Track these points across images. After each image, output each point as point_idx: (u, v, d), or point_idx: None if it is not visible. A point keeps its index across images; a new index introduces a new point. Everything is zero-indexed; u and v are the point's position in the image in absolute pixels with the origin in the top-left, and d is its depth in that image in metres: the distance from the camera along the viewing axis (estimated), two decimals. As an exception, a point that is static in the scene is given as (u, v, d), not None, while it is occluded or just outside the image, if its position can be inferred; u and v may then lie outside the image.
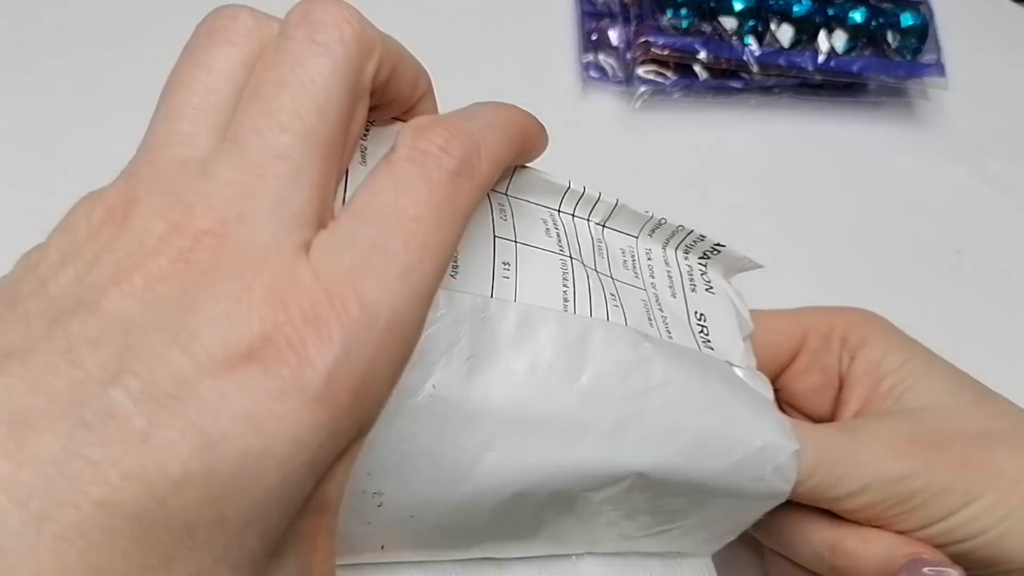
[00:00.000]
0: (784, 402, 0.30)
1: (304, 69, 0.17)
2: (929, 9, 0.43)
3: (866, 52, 0.42)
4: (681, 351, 0.24)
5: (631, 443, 0.22)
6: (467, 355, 0.20)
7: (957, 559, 0.26)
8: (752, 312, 0.28)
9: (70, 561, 0.13)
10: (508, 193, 0.23)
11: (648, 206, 0.42)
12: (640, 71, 0.42)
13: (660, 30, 0.41)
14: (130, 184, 0.16)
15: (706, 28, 0.41)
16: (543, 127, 0.23)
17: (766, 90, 0.43)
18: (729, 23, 0.41)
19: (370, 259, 0.16)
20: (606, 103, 0.43)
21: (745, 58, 0.41)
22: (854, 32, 0.42)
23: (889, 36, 0.42)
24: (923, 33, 0.42)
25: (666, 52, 0.41)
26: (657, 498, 0.23)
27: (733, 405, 0.24)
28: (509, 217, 0.23)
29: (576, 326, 0.22)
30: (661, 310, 0.25)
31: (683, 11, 0.41)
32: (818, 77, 0.42)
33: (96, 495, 0.13)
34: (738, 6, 0.41)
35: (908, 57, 0.42)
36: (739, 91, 0.43)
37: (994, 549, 0.25)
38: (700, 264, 0.27)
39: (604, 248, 0.25)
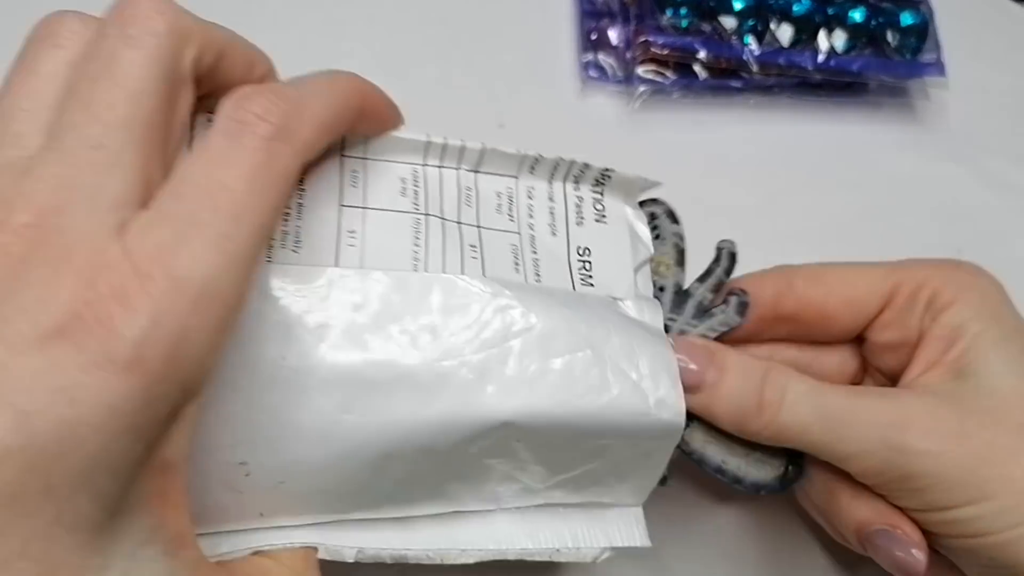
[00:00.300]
0: (865, 353, 0.30)
1: (117, 62, 0.18)
2: (929, 8, 0.43)
3: (866, 51, 0.42)
4: (548, 293, 0.24)
5: (493, 392, 0.22)
6: (314, 324, 0.21)
7: (963, 552, 0.26)
8: (842, 265, 0.29)
9: None
10: (367, 157, 0.24)
11: (648, 206, 0.41)
12: (640, 71, 0.42)
13: (660, 29, 0.41)
14: None
15: (706, 27, 0.41)
16: (388, 98, 0.24)
17: (766, 89, 0.43)
18: (729, 22, 0.41)
19: (181, 232, 0.17)
20: (606, 103, 0.43)
21: (745, 57, 0.41)
22: (854, 31, 0.42)
23: (889, 35, 0.42)
24: (923, 32, 0.42)
25: (666, 52, 0.41)
26: (541, 447, 0.24)
27: (606, 342, 0.24)
28: (360, 183, 0.24)
29: (423, 283, 0.22)
30: (534, 252, 0.25)
31: (683, 10, 0.41)
32: (818, 76, 0.41)
33: None
34: (738, 5, 0.41)
35: (908, 56, 0.42)
36: (739, 90, 0.42)
37: (1003, 552, 0.25)
38: (594, 193, 0.27)
39: (474, 196, 0.25)
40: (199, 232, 0.17)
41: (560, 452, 0.24)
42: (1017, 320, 0.27)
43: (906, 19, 0.42)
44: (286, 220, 0.22)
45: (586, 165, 0.26)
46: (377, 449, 0.22)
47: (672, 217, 0.29)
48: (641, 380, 0.24)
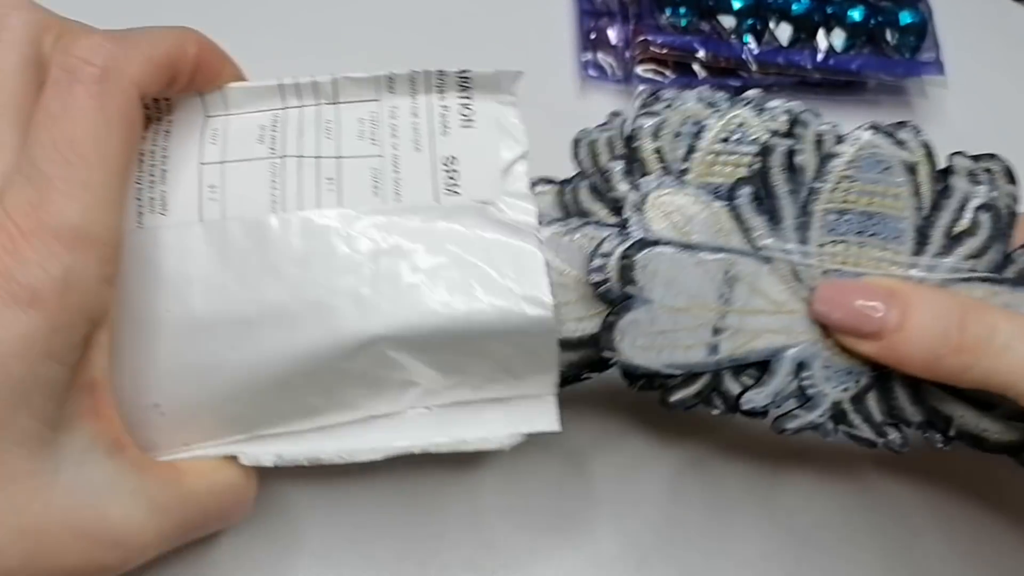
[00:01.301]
0: None
1: None
2: (928, 7, 0.43)
3: (865, 50, 0.42)
4: (408, 209, 0.26)
5: (359, 313, 0.24)
6: (189, 277, 0.24)
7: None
8: None
9: None
10: (229, 113, 0.26)
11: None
12: (639, 70, 0.42)
13: (659, 29, 0.41)
14: None
15: (705, 27, 0.41)
16: (222, 50, 0.26)
17: (765, 89, 0.43)
18: (728, 22, 0.41)
19: (43, 189, 0.20)
20: (605, 102, 0.43)
21: (744, 57, 0.41)
22: (853, 30, 0.42)
23: (888, 34, 0.42)
24: (922, 31, 0.42)
25: (665, 51, 0.41)
26: (422, 355, 0.25)
27: (468, 249, 0.25)
28: (220, 139, 0.26)
29: (281, 223, 0.24)
30: (396, 171, 0.26)
31: (682, 10, 0.41)
32: (817, 75, 0.41)
33: None
34: (737, 4, 0.41)
35: (907, 55, 0.42)
36: (738, 89, 0.42)
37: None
38: (461, 99, 0.27)
39: (335, 127, 0.26)
40: (58, 186, 0.20)
41: (443, 356, 0.25)
42: None
43: (905, 18, 0.42)
44: (152, 186, 0.25)
45: (442, 72, 0.27)
46: (268, 377, 0.24)
47: (1009, 176, 0.27)
48: (505, 279, 0.25)
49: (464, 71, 0.27)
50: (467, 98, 0.27)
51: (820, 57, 0.41)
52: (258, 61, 0.42)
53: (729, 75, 0.42)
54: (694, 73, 0.42)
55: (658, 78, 0.42)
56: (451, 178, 0.26)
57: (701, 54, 0.41)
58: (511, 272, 0.25)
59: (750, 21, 0.41)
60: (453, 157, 0.27)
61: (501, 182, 0.27)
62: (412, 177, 0.26)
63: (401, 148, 0.26)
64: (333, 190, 0.25)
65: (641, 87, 0.42)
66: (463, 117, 0.27)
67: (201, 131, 0.26)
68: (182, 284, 0.24)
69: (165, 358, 0.24)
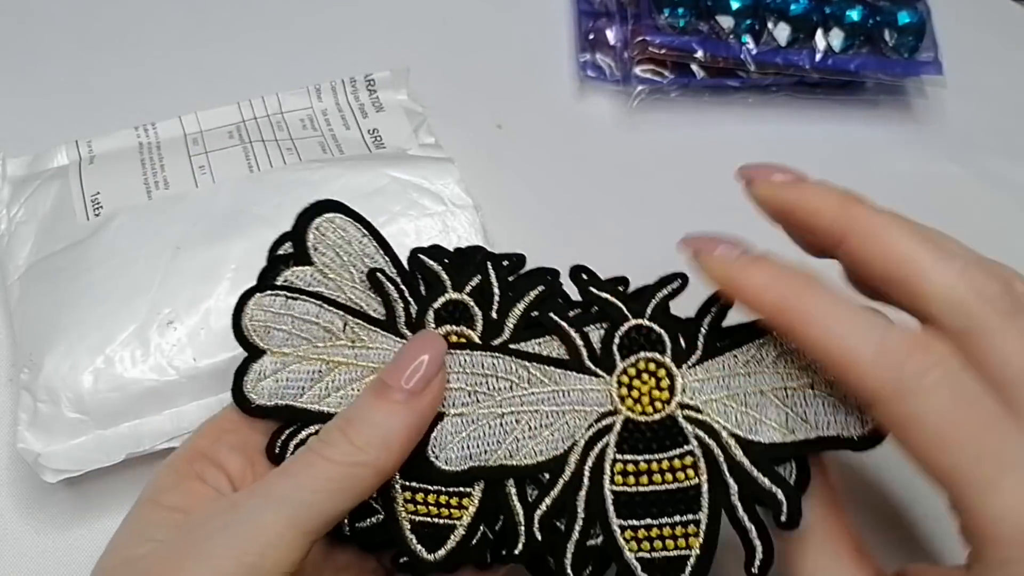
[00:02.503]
0: None
1: None
2: (926, 7, 0.43)
3: (863, 50, 0.42)
4: (351, 158, 0.37)
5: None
6: (196, 222, 0.33)
7: None
8: None
9: None
10: (200, 130, 0.38)
11: (645, 204, 0.42)
12: (637, 70, 0.42)
13: (657, 29, 0.41)
14: None
15: (703, 27, 0.41)
16: None
17: (763, 89, 0.43)
18: (726, 22, 0.41)
19: None
20: (603, 102, 0.43)
21: (742, 57, 0.41)
22: (851, 30, 0.42)
23: (886, 34, 0.42)
24: (920, 31, 0.42)
25: (663, 51, 0.41)
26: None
27: (401, 171, 0.35)
28: (201, 143, 0.37)
29: (259, 177, 0.35)
30: (336, 142, 0.38)
31: (680, 10, 0.41)
32: (815, 76, 0.42)
33: None
34: (735, 5, 0.41)
35: (905, 55, 0.42)
36: (736, 90, 0.43)
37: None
38: (371, 95, 0.40)
39: (283, 124, 0.38)
40: None
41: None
42: None
43: (903, 18, 0.42)
44: (156, 176, 0.35)
45: (354, 79, 0.40)
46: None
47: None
48: (432, 185, 0.35)
49: (369, 75, 0.40)
50: (374, 92, 0.40)
51: (818, 57, 0.41)
52: (262, 60, 0.42)
53: (727, 75, 0.42)
54: (692, 73, 0.42)
55: (656, 78, 0.42)
56: (377, 140, 0.38)
57: (699, 54, 0.41)
58: (437, 179, 0.35)
59: (748, 21, 0.41)
60: (375, 128, 0.39)
61: (414, 139, 0.38)
62: (349, 142, 0.38)
63: (336, 130, 0.38)
64: (293, 151, 0.36)
65: (639, 87, 0.42)
66: (375, 106, 0.39)
67: (184, 140, 0.37)
68: (190, 228, 0.33)
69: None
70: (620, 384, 0.25)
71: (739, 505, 0.23)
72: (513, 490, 0.24)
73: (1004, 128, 0.44)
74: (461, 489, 0.25)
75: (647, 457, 0.24)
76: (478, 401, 0.25)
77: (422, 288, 0.27)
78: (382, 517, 0.25)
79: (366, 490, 0.23)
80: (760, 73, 0.41)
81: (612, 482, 0.24)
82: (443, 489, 0.25)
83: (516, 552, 0.24)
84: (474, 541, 0.25)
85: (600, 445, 0.24)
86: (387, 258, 0.28)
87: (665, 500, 0.24)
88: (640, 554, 0.24)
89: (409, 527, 0.25)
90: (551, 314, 0.26)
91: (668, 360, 0.25)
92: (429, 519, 0.25)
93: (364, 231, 0.28)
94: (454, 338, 0.26)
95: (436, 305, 0.26)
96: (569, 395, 0.25)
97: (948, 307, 0.22)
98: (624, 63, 0.42)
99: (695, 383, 0.24)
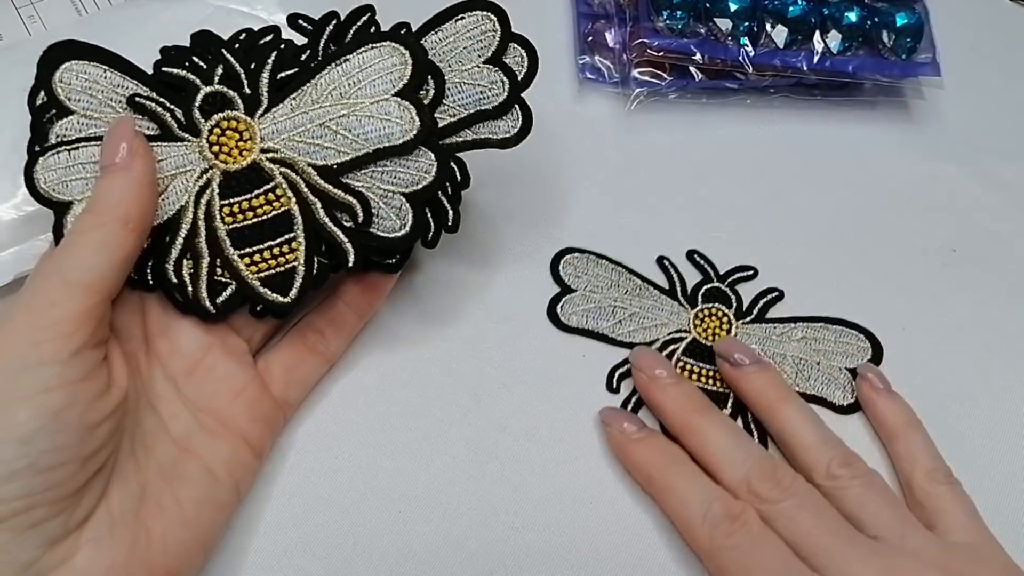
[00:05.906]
0: None
1: None
2: (924, 8, 0.43)
3: (861, 52, 0.42)
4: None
5: None
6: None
7: None
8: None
9: None
10: None
11: (644, 205, 0.42)
12: (636, 72, 0.42)
13: (656, 31, 0.41)
14: None
15: (701, 29, 0.41)
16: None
17: (761, 91, 0.43)
18: (724, 24, 0.41)
19: None
20: (602, 104, 0.43)
21: (740, 59, 0.41)
22: (849, 32, 0.42)
23: (884, 36, 0.42)
24: (918, 32, 0.42)
25: (661, 53, 0.41)
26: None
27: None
28: None
29: (86, 19, 0.39)
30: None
31: (678, 12, 0.41)
32: (813, 77, 0.42)
33: None
34: (733, 7, 0.41)
35: (903, 56, 0.42)
36: (734, 92, 0.43)
37: None
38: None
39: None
40: None
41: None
42: None
43: (901, 19, 0.42)
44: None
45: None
46: None
47: None
48: (254, 9, 0.38)
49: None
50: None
51: (816, 59, 0.41)
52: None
53: (725, 77, 0.42)
54: (691, 75, 0.42)
55: (655, 80, 0.42)
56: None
57: (698, 56, 0.41)
58: (252, 1, 0.39)
59: (746, 23, 0.42)
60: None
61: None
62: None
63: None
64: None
65: (638, 89, 0.42)
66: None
67: None
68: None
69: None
70: (210, 144, 0.30)
71: (326, 218, 0.30)
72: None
73: (1002, 129, 0.44)
74: (285, 236, 0.30)
75: (246, 197, 0.30)
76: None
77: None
78: (235, 286, 0.30)
79: (127, 243, 0.27)
80: (758, 75, 0.41)
81: (223, 222, 0.30)
82: (272, 243, 0.30)
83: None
84: (315, 271, 0.30)
85: (206, 197, 0.30)
86: (135, 81, 0.30)
87: (267, 227, 0.30)
88: (259, 274, 0.30)
89: (260, 284, 0.30)
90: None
91: (242, 114, 0.30)
92: (271, 271, 0.30)
93: (104, 66, 0.30)
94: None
95: (196, 103, 0.30)
96: (171, 161, 0.30)
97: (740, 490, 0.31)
98: (623, 65, 0.42)
99: (269, 129, 0.30)
